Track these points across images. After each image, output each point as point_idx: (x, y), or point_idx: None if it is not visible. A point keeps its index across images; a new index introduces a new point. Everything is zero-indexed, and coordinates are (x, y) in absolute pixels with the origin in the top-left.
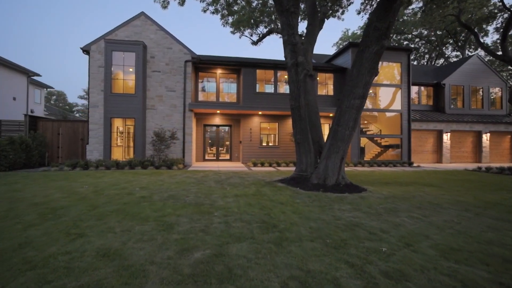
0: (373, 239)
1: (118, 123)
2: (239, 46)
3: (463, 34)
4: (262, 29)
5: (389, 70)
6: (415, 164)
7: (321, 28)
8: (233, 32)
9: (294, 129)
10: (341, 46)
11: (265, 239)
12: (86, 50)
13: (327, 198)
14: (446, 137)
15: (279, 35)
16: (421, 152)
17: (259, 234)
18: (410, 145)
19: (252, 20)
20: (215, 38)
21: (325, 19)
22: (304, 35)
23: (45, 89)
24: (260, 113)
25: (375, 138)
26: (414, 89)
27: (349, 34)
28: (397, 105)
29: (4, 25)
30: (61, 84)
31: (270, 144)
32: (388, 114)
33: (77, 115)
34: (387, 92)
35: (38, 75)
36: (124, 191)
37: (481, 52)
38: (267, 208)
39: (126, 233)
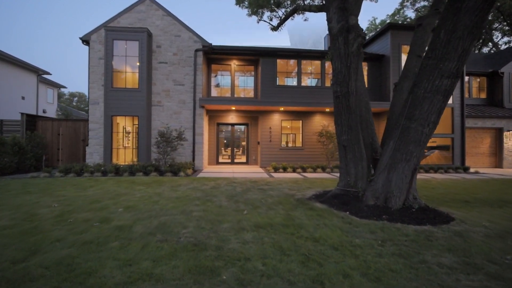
0: None
1: (123, 122)
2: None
3: None
4: (283, 11)
5: None
6: (471, 170)
7: None
8: (249, 15)
9: (338, 127)
10: (367, 38)
11: None
12: (86, 40)
13: (402, 236)
14: (508, 137)
15: (305, 16)
16: (475, 155)
17: None
18: (464, 146)
19: (272, 0)
20: (227, 39)
21: None
22: None
23: (58, 88)
24: (281, 109)
25: None
26: None
27: (377, 23)
28: None
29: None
30: (83, 85)
31: (292, 145)
32: None
33: None
34: None
35: (48, 73)
36: (100, 215)
37: None
38: (314, 262)
39: None
